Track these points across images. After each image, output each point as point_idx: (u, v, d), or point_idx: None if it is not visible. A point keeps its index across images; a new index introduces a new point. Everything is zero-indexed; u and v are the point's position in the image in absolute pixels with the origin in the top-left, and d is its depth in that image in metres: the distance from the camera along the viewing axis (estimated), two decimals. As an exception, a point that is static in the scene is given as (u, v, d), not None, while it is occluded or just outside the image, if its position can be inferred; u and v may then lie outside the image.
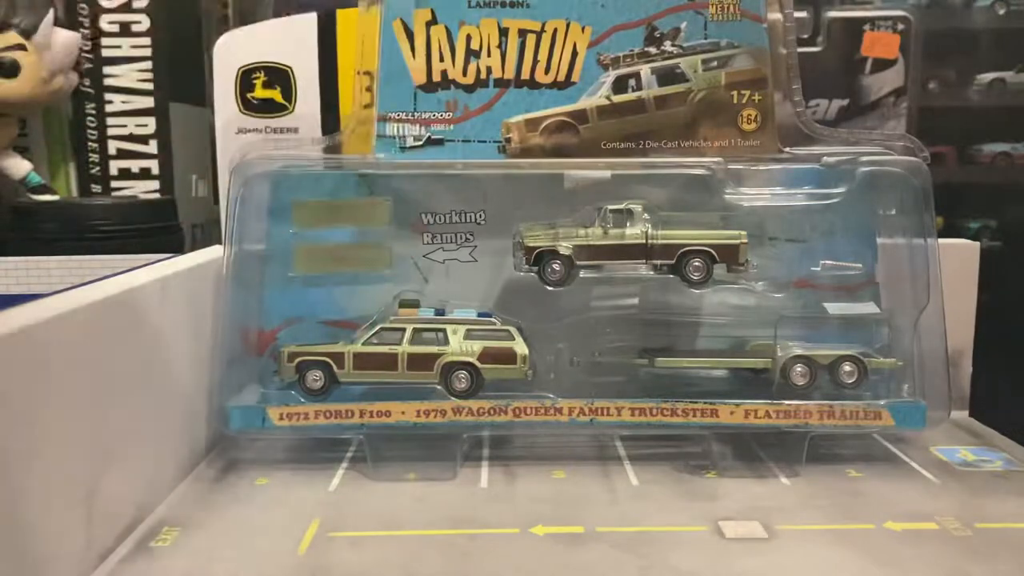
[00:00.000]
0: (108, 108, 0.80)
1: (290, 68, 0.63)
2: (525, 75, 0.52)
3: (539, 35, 0.51)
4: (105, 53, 0.79)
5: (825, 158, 0.51)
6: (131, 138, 0.81)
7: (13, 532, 0.32)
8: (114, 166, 0.81)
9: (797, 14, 0.51)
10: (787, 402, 0.49)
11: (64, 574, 0.36)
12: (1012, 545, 0.40)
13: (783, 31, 0.51)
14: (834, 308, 0.52)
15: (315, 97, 0.63)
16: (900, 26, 0.79)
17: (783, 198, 0.52)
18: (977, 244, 0.61)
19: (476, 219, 0.53)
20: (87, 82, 0.79)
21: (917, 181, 0.51)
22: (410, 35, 0.52)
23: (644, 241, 0.51)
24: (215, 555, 0.40)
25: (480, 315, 0.51)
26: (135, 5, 0.78)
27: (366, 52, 0.52)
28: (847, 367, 0.50)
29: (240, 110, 0.64)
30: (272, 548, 0.40)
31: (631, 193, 0.52)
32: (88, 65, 0.79)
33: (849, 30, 0.80)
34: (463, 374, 0.50)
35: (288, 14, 0.65)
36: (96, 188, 0.82)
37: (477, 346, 0.50)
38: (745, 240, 0.51)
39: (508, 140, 0.52)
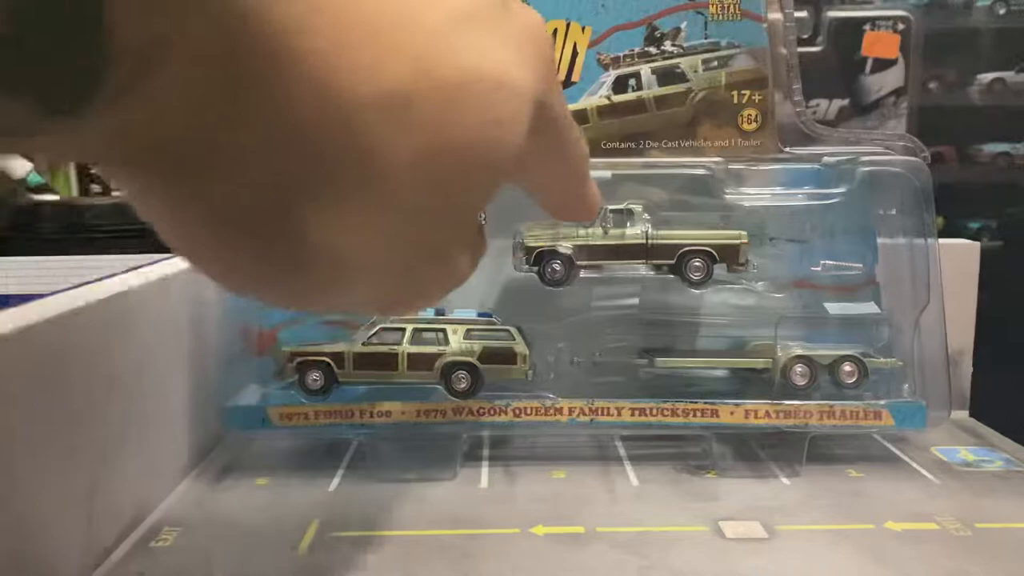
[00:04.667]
0: (108, 108, 0.80)
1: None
2: (525, 75, 0.52)
3: (539, 35, 0.51)
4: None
5: (825, 158, 0.51)
6: (131, 138, 0.81)
7: (13, 532, 0.32)
8: (114, 166, 0.81)
9: (797, 14, 0.51)
10: (787, 402, 0.49)
11: (64, 574, 0.36)
12: (1012, 545, 0.40)
13: (783, 31, 0.51)
14: (834, 308, 0.52)
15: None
16: (900, 26, 0.79)
17: (783, 198, 0.52)
18: (977, 244, 0.61)
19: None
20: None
21: (917, 181, 0.51)
22: (410, 35, 0.51)
23: (644, 241, 0.51)
24: (215, 555, 0.40)
25: (480, 315, 0.51)
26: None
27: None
28: (847, 367, 0.50)
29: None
30: (272, 548, 0.40)
31: (631, 193, 0.52)
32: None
33: (849, 30, 0.80)
34: (463, 374, 0.50)
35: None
36: (96, 188, 0.82)
37: (477, 346, 0.50)
38: (745, 240, 0.51)
39: (508, 140, 0.52)
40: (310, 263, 0.19)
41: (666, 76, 0.52)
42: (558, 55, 0.51)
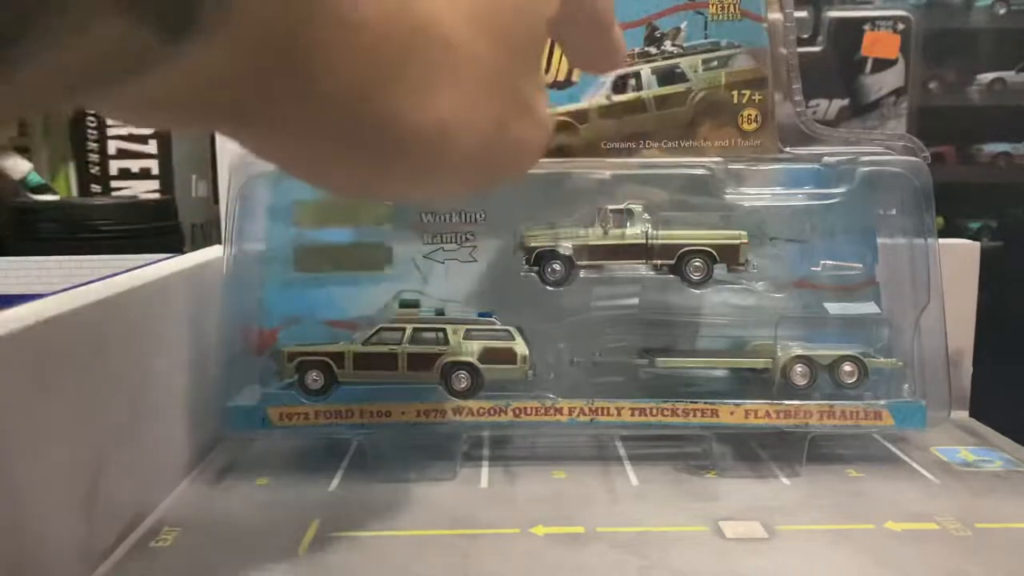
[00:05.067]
0: (108, 108, 0.80)
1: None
2: (525, 75, 0.52)
3: (539, 35, 0.51)
4: (105, 53, 0.79)
5: (825, 158, 0.51)
6: (131, 138, 0.81)
7: (13, 532, 0.32)
8: (114, 166, 0.82)
9: (797, 14, 0.51)
10: (787, 402, 0.49)
11: (64, 574, 0.36)
12: (1012, 545, 0.40)
13: (783, 31, 0.51)
14: (834, 308, 0.52)
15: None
16: (900, 26, 0.79)
17: (783, 198, 0.52)
18: (977, 244, 0.61)
19: (476, 219, 0.53)
20: (87, 82, 0.79)
21: (917, 181, 0.51)
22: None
23: (644, 241, 0.51)
24: (215, 555, 0.40)
25: (480, 315, 0.51)
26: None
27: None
28: (847, 367, 0.50)
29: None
30: (272, 548, 0.40)
31: (631, 193, 0.52)
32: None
33: (849, 30, 0.80)
34: (463, 374, 0.50)
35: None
36: (96, 188, 0.82)
37: (477, 346, 0.50)
38: (746, 240, 0.51)
39: (508, 140, 0.51)
40: (415, 144, 0.21)
41: (666, 76, 0.52)
42: (557, 56, 0.51)
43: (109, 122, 0.79)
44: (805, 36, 0.78)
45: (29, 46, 0.13)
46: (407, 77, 0.20)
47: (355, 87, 0.19)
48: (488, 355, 0.50)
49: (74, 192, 0.82)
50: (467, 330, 0.50)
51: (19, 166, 0.77)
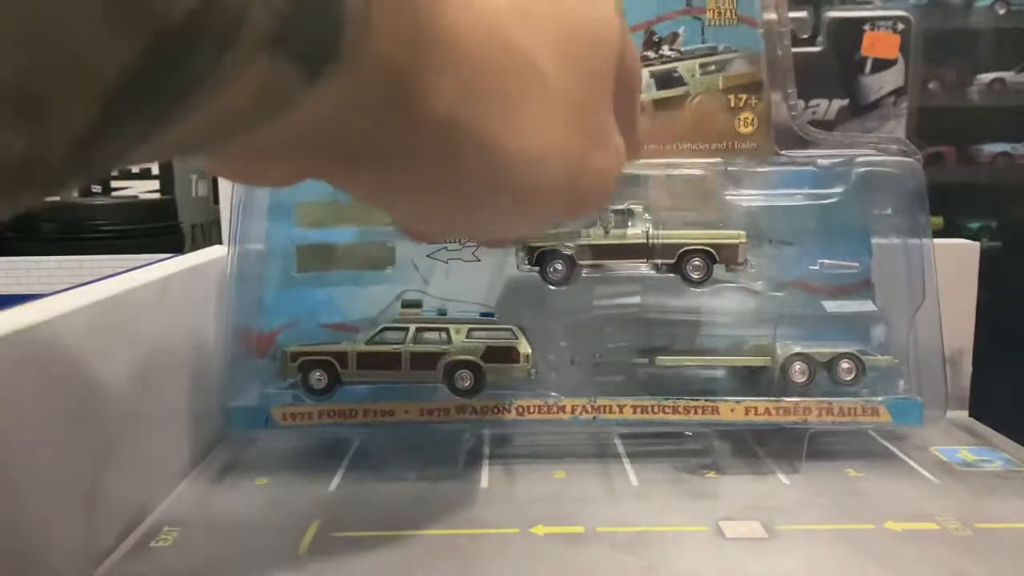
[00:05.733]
0: (108, 108, 0.80)
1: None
2: (525, 75, 0.52)
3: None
4: (105, 53, 0.79)
5: (820, 160, 0.52)
6: (131, 138, 0.81)
7: (13, 532, 0.32)
8: (114, 166, 0.81)
9: (797, 14, 0.51)
10: (786, 399, 0.50)
11: (64, 574, 0.36)
12: (1012, 545, 0.40)
13: (779, 34, 0.52)
14: (832, 307, 0.52)
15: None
16: (900, 26, 0.79)
17: (780, 199, 0.52)
18: (977, 244, 0.61)
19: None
20: (87, 82, 0.79)
21: (912, 182, 0.51)
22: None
23: (645, 241, 0.51)
24: (215, 555, 0.40)
25: (482, 315, 0.51)
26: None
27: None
28: (845, 364, 0.50)
29: (240, 110, 0.63)
30: (272, 548, 0.40)
31: (631, 193, 0.52)
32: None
33: (849, 30, 0.80)
34: (466, 373, 0.50)
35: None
36: (96, 188, 0.82)
37: (480, 345, 0.50)
38: (744, 240, 0.51)
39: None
40: (513, 170, 0.22)
41: (664, 80, 0.52)
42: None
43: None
44: (805, 36, 0.78)
45: (198, 95, 0.14)
46: (505, 102, 0.21)
47: (458, 113, 0.20)
48: (491, 354, 0.50)
49: (74, 192, 0.82)
50: (470, 329, 0.50)
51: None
